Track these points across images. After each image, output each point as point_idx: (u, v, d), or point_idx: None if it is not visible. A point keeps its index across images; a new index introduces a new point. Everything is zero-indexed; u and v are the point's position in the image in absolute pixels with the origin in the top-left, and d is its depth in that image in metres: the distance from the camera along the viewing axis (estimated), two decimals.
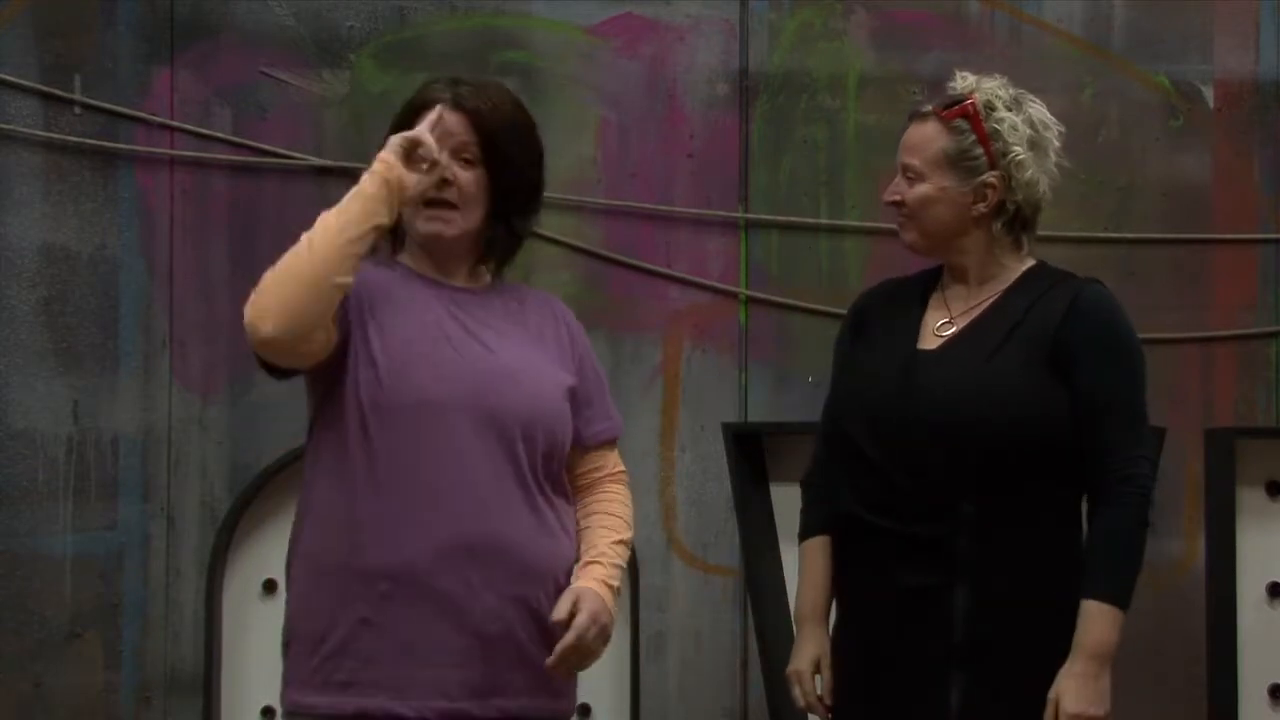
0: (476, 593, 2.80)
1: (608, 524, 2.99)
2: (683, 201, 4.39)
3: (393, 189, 2.80)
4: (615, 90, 4.40)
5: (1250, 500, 4.15)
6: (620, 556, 2.97)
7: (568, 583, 2.91)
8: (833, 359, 3.22)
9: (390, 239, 2.97)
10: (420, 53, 4.37)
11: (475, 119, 2.90)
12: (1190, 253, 4.41)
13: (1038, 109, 3.09)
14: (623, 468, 3.06)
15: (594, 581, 2.90)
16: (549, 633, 2.86)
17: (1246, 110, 4.42)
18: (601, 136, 4.39)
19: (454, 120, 2.90)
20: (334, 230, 2.79)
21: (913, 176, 3.06)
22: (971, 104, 3.03)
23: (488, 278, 3.00)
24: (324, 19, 4.37)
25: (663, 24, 4.40)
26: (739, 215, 4.39)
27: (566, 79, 4.37)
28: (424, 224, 2.90)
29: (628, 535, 3.00)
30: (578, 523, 2.98)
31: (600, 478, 3.02)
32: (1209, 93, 4.43)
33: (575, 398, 2.96)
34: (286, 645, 2.89)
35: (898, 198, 3.08)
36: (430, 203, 2.89)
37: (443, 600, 2.79)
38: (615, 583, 2.94)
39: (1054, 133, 3.08)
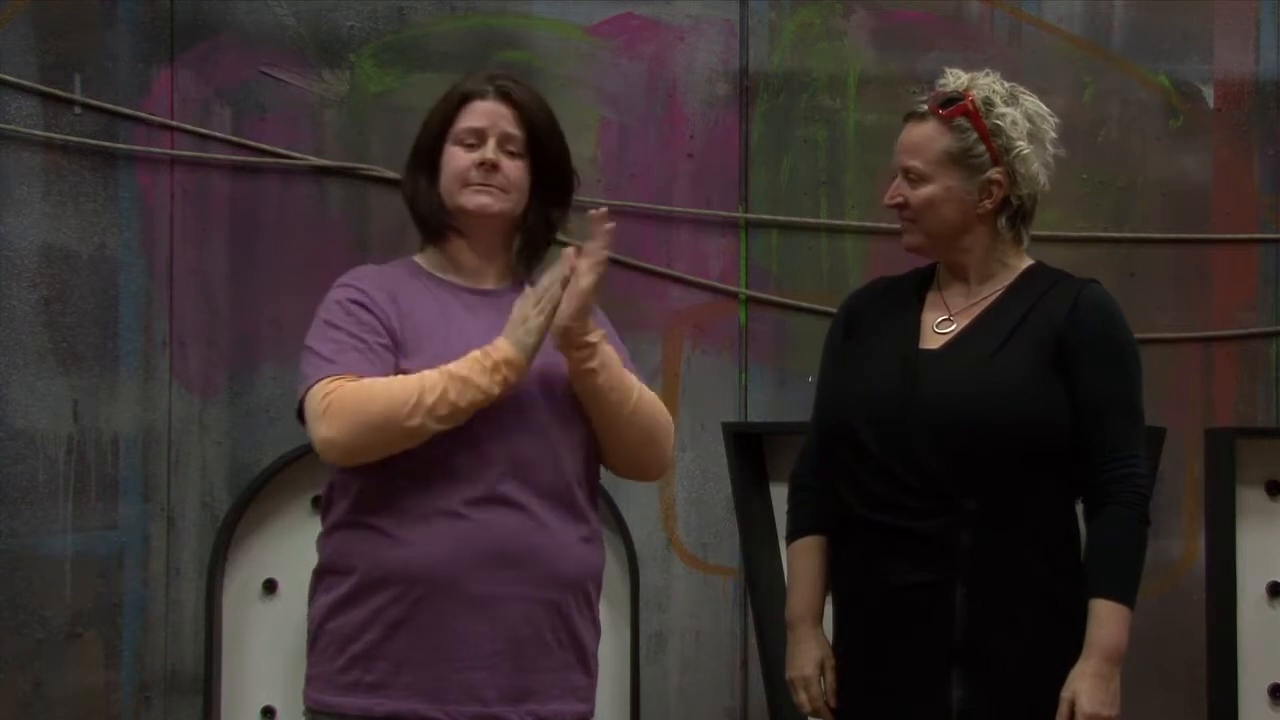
0: (508, 597, 2.79)
1: None
2: (682, 201, 4.39)
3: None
4: (615, 90, 4.39)
5: (1250, 500, 4.14)
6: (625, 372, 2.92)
7: (597, 594, 2.93)
8: (822, 358, 3.21)
9: (410, 204, 2.98)
10: (420, 53, 4.37)
11: (521, 112, 2.93)
12: (1190, 253, 4.41)
13: (1032, 101, 3.08)
14: None
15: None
16: (577, 638, 2.87)
17: (1246, 110, 4.42)
18: (601, 136, 4.38)
19: (499, 111, 2.92)
20: (436, 413, 2.76)
21: (915, 178, 3.04)
22: (970, 101, 3.03)
23: (520, 275, 3.00)
24: (324, 19, 4.37)
25: (663, 24, 4.40)
26: (739, 215, 4.39)
27: (566, 79, 4.37)
28: (470, 197, 2.89)
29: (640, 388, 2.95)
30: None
31: None
32: (1209, 93, 4.43)
33: None
34: (312, 643, 2.89)
35: (900, 200, 3.06)
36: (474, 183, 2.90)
37: (475, 604, 2.78)
38: (604, 357, 2.88)
39: (1050, 124, 3.08)
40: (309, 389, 2.82)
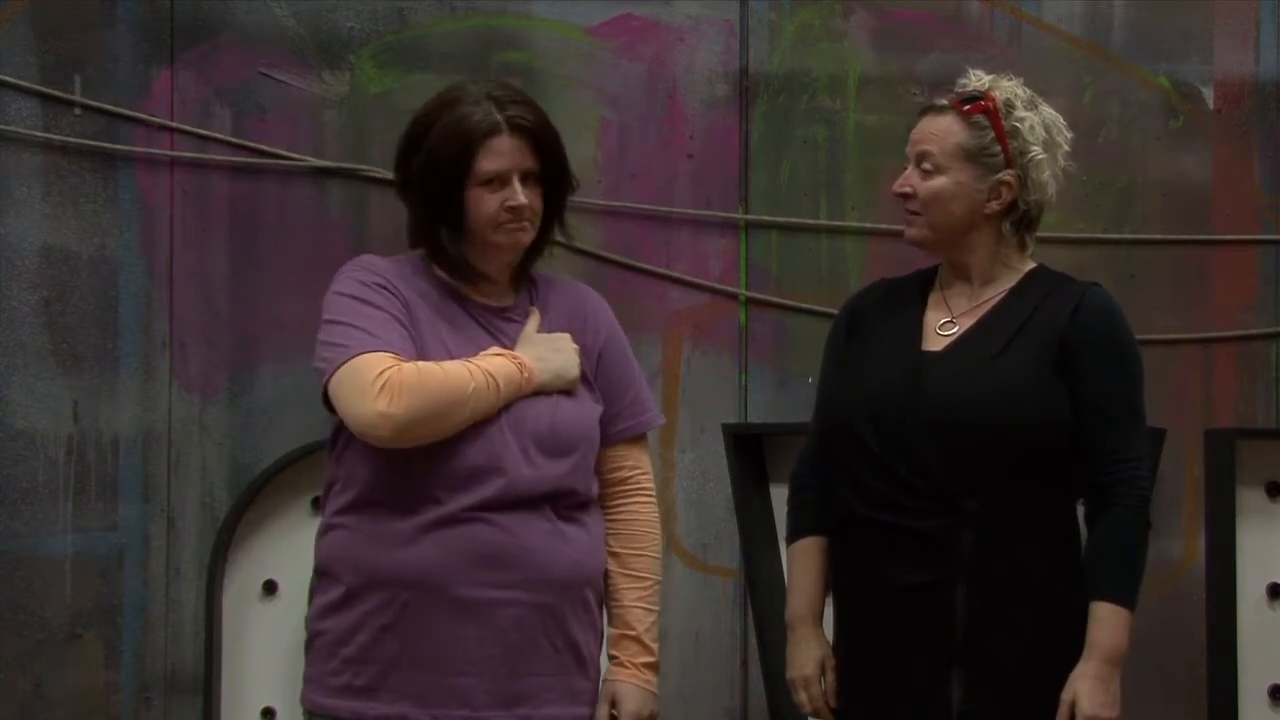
0: (499, 601, 2.79)
1: (637, 567, 2.98)
2: (682, 202, 4.39)
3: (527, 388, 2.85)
4: (615, 91, 4.39)
5: (1250, 500, 4.14)
6: (651, 609, 2.96)
7: (597, 598, 2.92)
8: (823, 359, 3.21)
9: (429, 248, 2.96)
10: (420, 53, 4.36)
11: (533, 140, 2.90)
12: (1190, 253, 4.41)
13: (1051, 111, 3.10)
14: (644, 468, 3.04)
15: (630, 669, 2.92)
16: (574, 641, 2.86)
17: (1246, 110, 4.42)
18: (601, 137, 4.38)
19: (515, 145, 2.88)
20: (477, 410, 2.80)
21: (928, 169, 3.05)
22: (992, 101, 3.03)
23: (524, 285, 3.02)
24: (324, 19, 4.37)
25: (663, 24, 4.40)
26: (739, 216, 4.39)
27: (567, 79, 4.37)
28: (506, 236, 2.90)
29: (656, 574, 2.99)
30: (606, 540, 2.98)
31: (622, 479, 3.01)
32: (1209, 93, 4.43)
33: (601, 394, 2.97)
34: (309, 643, 2.91)
35: (909, 189, 3.07)
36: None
37: (465, 609, 2.78)
38: (652, 655, 2.95)
39: (1065, 137, 3.10)
40: (349, 359, 2.77)
